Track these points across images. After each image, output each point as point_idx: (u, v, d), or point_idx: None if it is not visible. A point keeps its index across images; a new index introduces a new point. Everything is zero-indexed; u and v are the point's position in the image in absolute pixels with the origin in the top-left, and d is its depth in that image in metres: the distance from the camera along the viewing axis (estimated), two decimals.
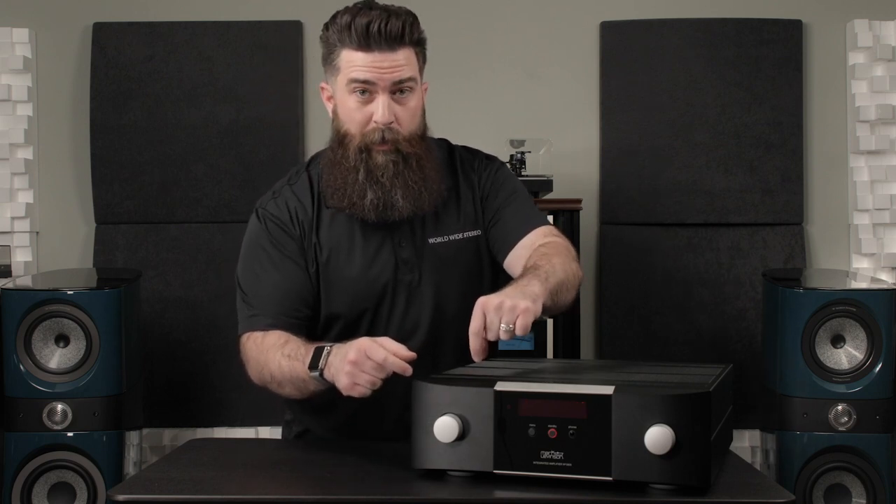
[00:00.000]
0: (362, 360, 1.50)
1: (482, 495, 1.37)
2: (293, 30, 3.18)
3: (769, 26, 3.17)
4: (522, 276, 1.67)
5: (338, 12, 1.76)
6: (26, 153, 3.15)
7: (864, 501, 2.59)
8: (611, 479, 1.35)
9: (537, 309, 1.54)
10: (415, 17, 1.78)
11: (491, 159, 1.95)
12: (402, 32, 1.73)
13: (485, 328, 1.51)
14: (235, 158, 3.15)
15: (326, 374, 1.58)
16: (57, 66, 3.20)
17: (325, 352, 1.59)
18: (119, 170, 3.14)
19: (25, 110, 3.15)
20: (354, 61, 1.73)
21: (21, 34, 3.14)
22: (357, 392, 1.52)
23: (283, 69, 3.18)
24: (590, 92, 3.22)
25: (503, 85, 3.22)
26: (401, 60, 1.73)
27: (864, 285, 2.73)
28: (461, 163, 1.91)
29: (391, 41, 1.72)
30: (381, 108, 1.73)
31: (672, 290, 3.16)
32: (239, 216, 3.15)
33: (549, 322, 2.77)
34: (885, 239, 3.15)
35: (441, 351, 1.83)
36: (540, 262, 1.71)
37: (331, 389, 1.61)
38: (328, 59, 1.78)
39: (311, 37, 3.21)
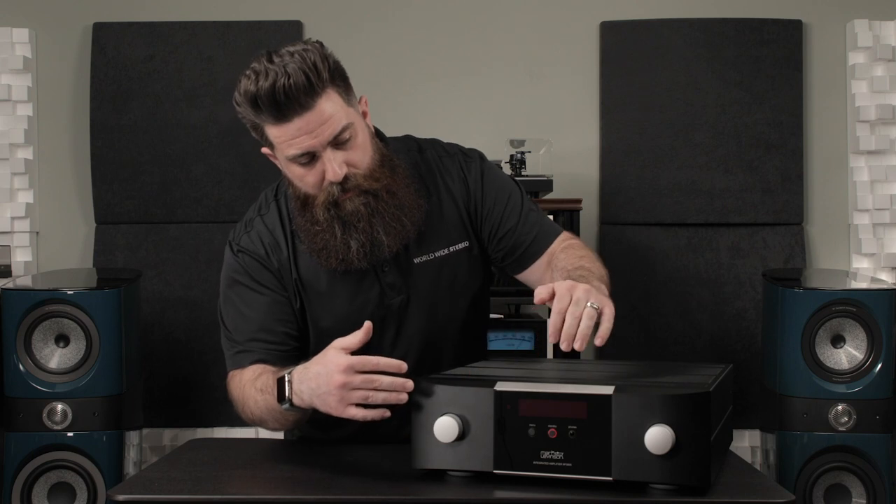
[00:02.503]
0: (350, 379, 1.44)
1: (482, 495, 1.37)
2: (293, 30, 3.18)
3: (769, 26, 3.17)
4: (583, 277, 1.59)
5: (240, 80, 1.65)
6: (26, 153, 3.15)
7: (864, 501, 2.59)
8: (611, 479, 1.35)
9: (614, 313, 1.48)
10: (317, 50, 1.62)
11: (470, 158, 1.83)
12: (310, 83, 1.58)
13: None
14: (235, 158, 3.15)
15: (298, 402, 1.52)
16: (57, 66, 3.20)
17: (286, 380, 1.53)
18: (119, 170, 3.14)
19: (25, 110, 3.15)
20: (281, 136, 1.62)
21: (21, 34, 3.14)
22: (350, 413, 1.45)
23: None
24: (590, 92, 3.22)
25: (503, 85, 3.22)
26: (326, 114, 1.60)
27: (864, 285, 2.73)
28: (438, 167, 1.81)
29: (303, 99, 1.58)
30: (331, 166, 1.62)
31: (672, 290, 3.16)
32: (239, 216, 3.12)
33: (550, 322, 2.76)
34: (885, 239, 3.15)
35: (438, 364, 1.79)
36: (587, 265, 1.66)
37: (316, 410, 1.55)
38: (256, 133, 1.68)
39: (311, 37, 3.21)
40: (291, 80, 1.57)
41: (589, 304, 1.43)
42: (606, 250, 3.17)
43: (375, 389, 1.44)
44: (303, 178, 1.66)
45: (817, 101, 3.22)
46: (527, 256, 1.79)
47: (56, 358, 2.62)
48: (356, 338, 1.47)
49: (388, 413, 1.45)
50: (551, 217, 2.77)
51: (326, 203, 1.66)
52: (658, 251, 3.17)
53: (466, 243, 1.80)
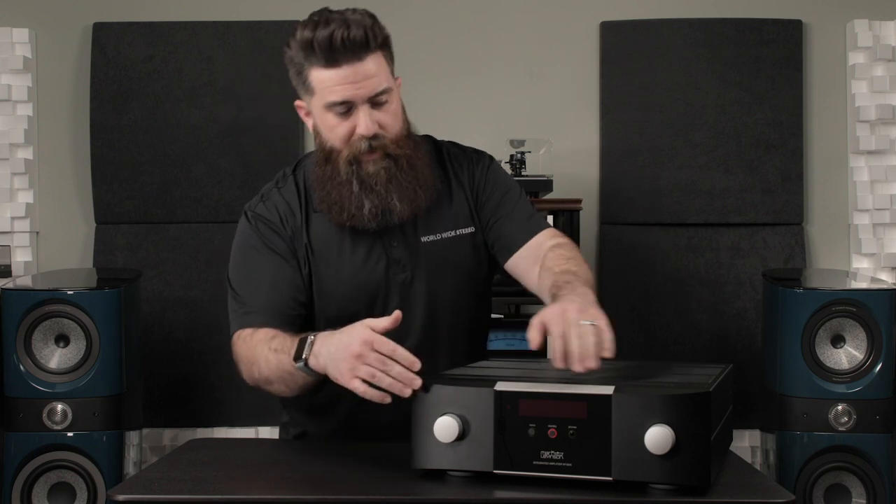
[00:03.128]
0: (366, 353, 1.46)
1: (482, 495, 1.37)
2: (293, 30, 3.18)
3: (769, 26, 3.17)
4: (569, 282, 1.64)
5: (295, 29, 1.74)
6: (26, 153, 3.15)
7: (864, 501, 2.59)
8: (611, 479, 1.35)
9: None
10: (374, 18, 1.73)
11: (480, 155, 1.92)
12: (367, 39, 1.68)
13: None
14: (235, 158, 3.15)
15: (313, 364, 1.55)
16: (57, 66, 3.20)
17: (308, 341, 1.56)
18: (119, 170, 3.14)
19: (25, 110, 3.15)
20: (326, 81, 1.70)
21: (21, 34, 3.14)
22: (354, 385, 1.47)
23: (283, 69, 3.15)
24: (590, 92, 3.22)
25: (503, 85, 3.22)
26: (371, 70, 1.69)
27: (864, 285, 2.73)
28: (450, 160, 1.89)
29: (357, 50, 1.67)
30: (364, 120, 1.70)
31: (672, 290, 3.16)
32: (239, 216, 3.14)
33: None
34: (885, 239, 3.15)
35: (437, 349, 1.82)
36: (573, 268, 1.71)
37: (321, 385, 1.60)
38: (298, 80, 1.77)
39: None
40: (350, 32, 1.66)
41: (584, 322, 1.46)
42: (606, 250, 3.18)
43: (384, 372, 1.46)
44: (334, 129, 1.73)
45: (817, 101, 3.22)
46: (513, 242, 1.84)
47: (56, 358, 2.62)
48: (384, 322, 1.51)
49: (388, 398, 1.47)
50: (551, 217, 2.80)
51: (350, 158, 1.72)
52: (658, 251, 3.17)
53: (472, 229, 1.86)
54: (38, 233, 3.19)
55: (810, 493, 2.58)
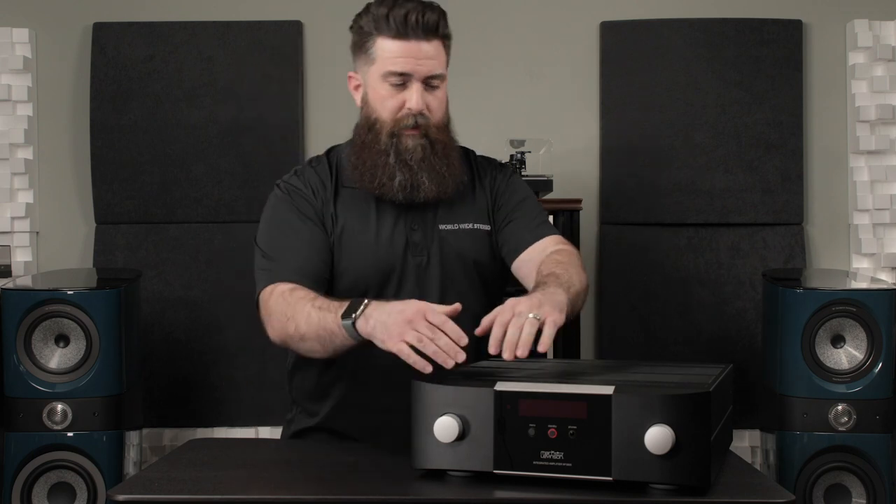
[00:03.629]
0: (418, 320, 1.52)
1: (482, 495, 1.37)
2: (293, 30, 3.18)
3: (769, 26, 3.17)
4: (545, 283, 1.71)
5: (372, 3, 1.83)
6: (26, 153, 3.15)
7: (864, 501, 2.59)
8: (611, 479, 1.35)
9: (562, 321, 1.59)
10: (445, 13, 1.85)
11: (504, 165, 2.05)
12: (437, 25, 1.81)
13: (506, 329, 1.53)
14: (235, 158, 3.15)
15: (361, 326, 1.60)
16: (57, 66, 3.20)
17: (362, 303, 1.62)
18: (119, 170, 3.14)
19: (25, 110, 3.15)
20: (391, 51, 1.80)
21: (21, 34, 3.14)
22: (400, 347, 1.52)
23: (283, 69, 3.18)
24: (590, 92, 3.22)
25: (503, 85, 3.22)
26: (433, 53, 1.81)
27: (864, 285, 2.73)
28: (476, 163, 2.01)
29: (427, 32, 1.80)
30: (415, 96, 1.81)
31: (672, 290, 3.16)
32: (239, 216, 3.15)
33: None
34: (885, 239, 3.15)
35: None
36: (558, 271, 1.76)
37: (357, 349, 1.66)
38: (361, 47, 1.85)
39: (311, 37, 3.21)
40: (425, 14, 1.80)
41: (531, 315, 1.53)
42: (606, 250, 3.18)
43: (431, 340, 1.51)
44: (384, 100, 1.83)
45: (817, 101, 3.22)
46: (520, 244, 1.92)
47: (56, 358, 2.62)
48: (444, 307, 1.56)
49: (429, 367, 1.50)
50: (551, 217, 2.79)
51: (393, 130, 1.83)
52: (658, 251, 3.17)
53: (488, 227, 1.95)
54: (38, 233, 3.19)
55: (810, 493, 2.58)
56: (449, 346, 1.50)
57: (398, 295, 1.85)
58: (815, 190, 3.22)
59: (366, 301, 1.62)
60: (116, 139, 3.15)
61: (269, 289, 1.81)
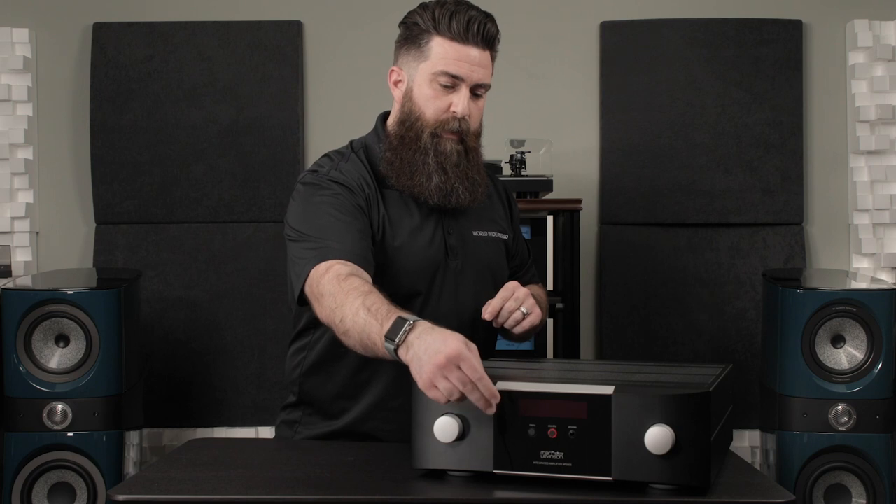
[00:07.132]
0: (451, 370, 1.40)
1: (482, 495, 1.37)
2: (293, 30, 3.18)
3: (769, 26, 3.17)
4: (534, 293, 1.91)
5: (431, 2, 1.85)
6: (26, 153, 3.15)
7: (864, 501, 2.59)
8: (611, 479, 1.35)
9: (539, 328, 1.86)
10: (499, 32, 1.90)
11: (510, 189, 2.14)
12: (494, 39, 1.86)
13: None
14: (235, 158, 3.16)
15: (402, 354, 1.48)
16: (57, 66, 3.20)
17: (406, 326, 1.48)
18: (119, 170, 3.15)
19: (25, 110, 3.15)
20: (448, 53, 1.81)
21: (21, 34, 3.14)
22: (432, 394, 1.42)
23: (283, 69, 3.18)
24: (590, 92, 3.22)
25: (503, 85, 3.21)
26: (486, 62, 1.85)
27: (864, 285, 2.73)
28: (495, 180, 2.08)
29: (485, 42, 1.83)
30: (463, 100, 1.83)
31: (672, 290, 3.16)
32: (239, 216, 3.15)
33: (550, 322, 2.77)
34: (885, 239, 3.15)
35: (476, 340, 1.79)
36: (536, 292, 1.97)
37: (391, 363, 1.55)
38: (413, 43, 1.85)
39: (311, 37, 3.21)
40: (488, 26, 1.83)
41: (522, 309, 1.80)
42: (606, 250, 3.18)
43: (462, 393, 1.41)
44: (430, 100, 1.84)
45: (817, 101, 3.22)
46: (515, 267, 2.10)
47: (56, 358, 2.62)
48: (478, 362, 1.43)
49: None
50: (551, 217, 2.80)
51: (435, 130, 1.84)
52: (658, 251, 3.17)
53: (507, 236, 2.02)
54: (38, 233, 3.19)
55: (810, 493, 2.58)
56: (481, 402, 1.40)
57: (441, 297, 1.85)
58: (815, 190, 3.22)
59: (410, 322, 1.49)
60: (116, 139, 3.15)
61: (323, 266, 1.70)
